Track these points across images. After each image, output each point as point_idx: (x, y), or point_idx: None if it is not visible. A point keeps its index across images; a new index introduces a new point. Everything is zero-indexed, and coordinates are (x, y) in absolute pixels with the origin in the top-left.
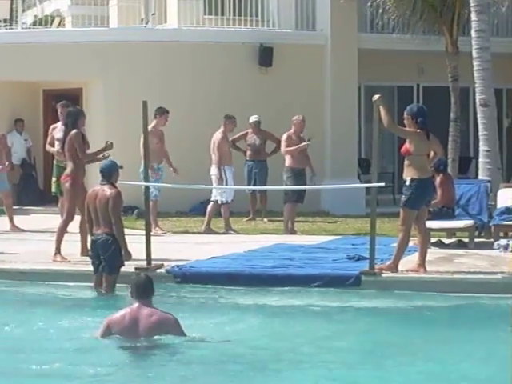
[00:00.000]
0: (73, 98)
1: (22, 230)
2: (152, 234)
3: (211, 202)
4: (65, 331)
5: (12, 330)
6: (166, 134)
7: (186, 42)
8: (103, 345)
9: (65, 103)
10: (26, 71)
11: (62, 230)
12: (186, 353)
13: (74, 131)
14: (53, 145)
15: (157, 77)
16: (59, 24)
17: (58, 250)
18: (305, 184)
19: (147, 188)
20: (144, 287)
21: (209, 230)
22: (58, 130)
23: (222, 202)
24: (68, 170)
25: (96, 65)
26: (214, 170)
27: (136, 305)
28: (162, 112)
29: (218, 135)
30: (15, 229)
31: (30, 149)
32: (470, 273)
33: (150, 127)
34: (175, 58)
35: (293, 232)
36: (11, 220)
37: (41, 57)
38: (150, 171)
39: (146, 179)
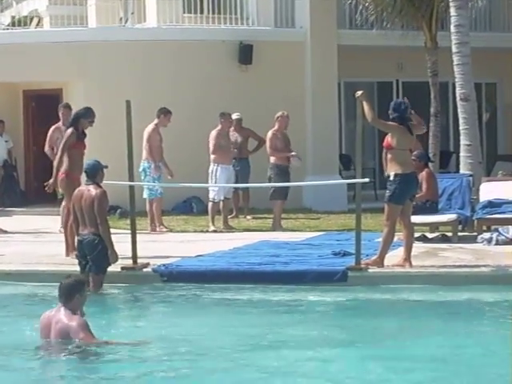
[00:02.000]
0: (53, 98)
1: (5, 232)
2: (157, 232)
3: (210, 203)
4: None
5: None
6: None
7: (165, 40)
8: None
9: (66, 104)
10: (5, 72)
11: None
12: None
13: (70, 130)
14: (51, 144)
15: (137, 76)
16: (37, 24)
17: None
18: (289, 181)
19: (132, 187)
20: (64, 291)
21: (227, 227)
22: (63, 129)
23: (212, 199)
24: (65, 167)
25: (76, 65)
26: (210, 168)
27: (57, 307)
28: (165, 112)
29: (213, 134)
30: None
31: (10, 150)
32: (455, 266)
33: (151, 125)
34: (155, 56)
35: (279, 228)
36: None
37: (20, 57)
38: (152, 168)
39: (131, 179)
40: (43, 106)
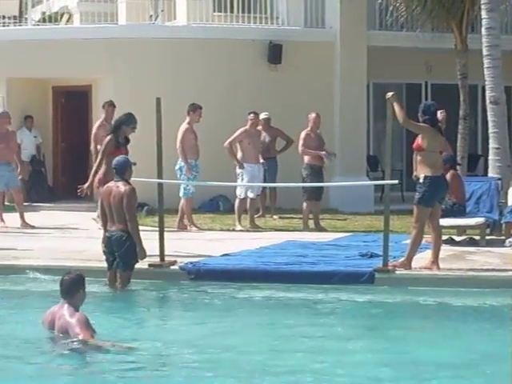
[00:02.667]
0: (82, 95)
1: (33, 227)
2: (187, 230)
3: (237, 200)
4: None
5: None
6: (175, 131)
7: (195, 38)
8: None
9: (110, 102)
10: (35, 68)
11: None
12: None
13: (109, 137)
14: (97, 142)
15: (166, 73)
16: (68, 21)
17: None
18: (323, 181)
19: (161, 185)
20: (66, 287)
21: (254, 226)
22: (107, 126)
23: (239, 196)
24: (102, 171)
25: (105, 62)
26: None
27: (61, 303)
28: (194, 108)
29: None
30: (26, 225)
31: (39, 145)
32: (482, 270)
33: (184, 124)
34: (184, 54)
35: (321, 229)
36: (22, 217)
37: (50, 54)
38: (185, 167)
39: (160, 176)
40: (72, 102)
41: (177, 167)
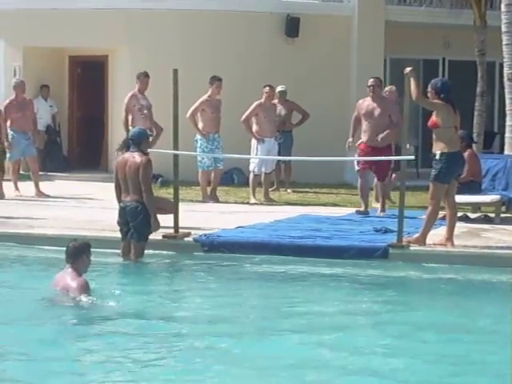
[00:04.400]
0: (98, 65)
1: (48, 196)
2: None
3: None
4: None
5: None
6: (190, 104)
7: (212, 10)
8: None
9: (145, 73)
10: (52, 37)
11: None
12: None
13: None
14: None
15: (182, 45)
16: None
17: None
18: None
19: (176, 156)
20: (71, 252)
21: (268, 199)
22: (140, 97)
23: (253, 171)
24: None
25: (122, 32)
26: (252, 140)
27: (65, 268)
28: (212, 81)
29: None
30: (40, 194)
31: (55, 115)
32: (497, 247)
33: (204, 97)
34: (201, 26)
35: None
36: (37, 185)
37: (67, 23)
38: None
39: (175, 147)
40: (88, 72)
41: (195, 138)
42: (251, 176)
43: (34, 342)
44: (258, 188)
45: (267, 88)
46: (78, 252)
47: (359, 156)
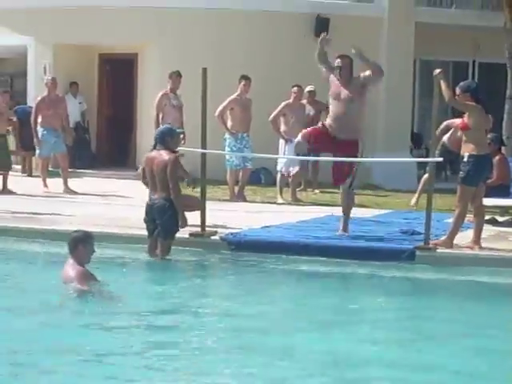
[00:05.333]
0: (127, 62)
1: (76, 193)
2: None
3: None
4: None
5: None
6: (219, 103)
7: (242, 9)
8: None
9: (178, 72)
10: (82, 35)
11: None
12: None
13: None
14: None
15: (212, 44)
16: None
17: None
18: None
19: (204, 155)
20: (69, 243)
21: (295, 199)
22: (171, 96)
23: (280, 171)
24: None
25: (152, 30)
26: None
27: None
28: (241, 79)
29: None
30: (69, 191)
31: (84, 112)
32: None
33: (234, 95)
34: (231, 25)
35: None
36: (65, 182)
37: (97, 20)
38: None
39: (203, 146)
40: (118, 69)
41: (223, 137)
42: (278, 175)
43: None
44: (285, 188)
45: (295, 88)
46: (74, 242)
47: None
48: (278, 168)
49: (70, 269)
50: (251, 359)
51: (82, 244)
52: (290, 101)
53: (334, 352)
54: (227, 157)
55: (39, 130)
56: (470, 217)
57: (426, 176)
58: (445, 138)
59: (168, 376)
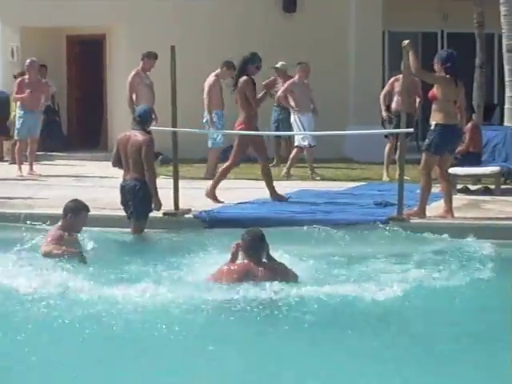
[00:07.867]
0: (96, 43)
1: (40, 175)
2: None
3: (295, 148)
4: None
5: None
6: (185, 82)
7: None
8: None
9: (152, 53)
10: (50, 17)
11: (225, 172)
12: None
13: (244, 78)
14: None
15: (179, 22)
16: None
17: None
18: None
19: (175, 133)
20: (62, 211)
21: (288, 175)
22: (143, 76)
23: (305, 146)
24: (241, 118)
25: (119, 10)
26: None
27: None
28: (226, 65)
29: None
30: (32, 174)
31: (53, 95)
32: (498, 219)
33: (212, 76)
34: (198, 2)
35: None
36: (31, 164)
37: (64, 2)
38: (209, 121)
39: (174, 125)
40: (86, 51)
41: (204, 120)
42: (294, 150)
43: None
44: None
45: (304, 65)
46: (66, 211)
47: None
48: (297, 142)
49: (50, 232)
50: None
51: (72, 213)
52: (296, 79)
53: None
54: (213, 136)
55: (17, 111)
56: (439, 186)
57: (386, 148)
58: (393, 105)
59: None
